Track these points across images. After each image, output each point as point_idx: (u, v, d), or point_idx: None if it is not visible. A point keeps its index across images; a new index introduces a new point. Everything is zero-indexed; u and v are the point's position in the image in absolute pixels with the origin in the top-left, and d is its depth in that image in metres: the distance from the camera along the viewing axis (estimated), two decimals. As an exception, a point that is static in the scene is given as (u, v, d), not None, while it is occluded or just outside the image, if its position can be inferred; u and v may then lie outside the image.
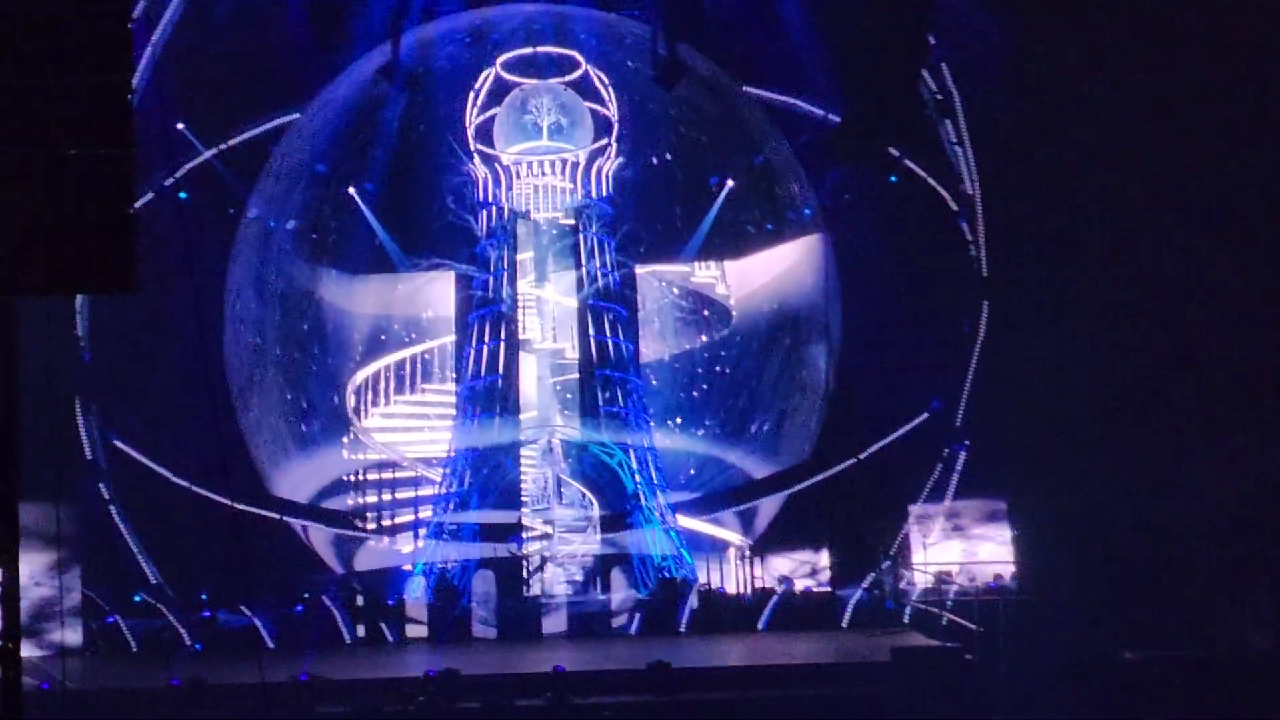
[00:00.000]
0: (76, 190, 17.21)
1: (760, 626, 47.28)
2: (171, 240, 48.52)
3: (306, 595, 47.85)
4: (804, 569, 50.39)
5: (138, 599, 48.04)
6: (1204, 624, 40.59)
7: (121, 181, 17.53)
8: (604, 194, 51.27)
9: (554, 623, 47.51)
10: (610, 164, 51.29)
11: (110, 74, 17.43)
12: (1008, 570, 47.28)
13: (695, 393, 52.15)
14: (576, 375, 51.03)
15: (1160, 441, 43.38)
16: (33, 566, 38.16)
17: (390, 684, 36.85)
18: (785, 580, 49.07)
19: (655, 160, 51.91)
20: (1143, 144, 43.04)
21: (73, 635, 43.42)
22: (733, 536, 51.45)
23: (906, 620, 46.87)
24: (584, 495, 49.79)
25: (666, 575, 49.02)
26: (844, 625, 47.37)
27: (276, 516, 50.14)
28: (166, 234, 48.20)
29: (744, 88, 52.83)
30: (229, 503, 48.29)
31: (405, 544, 50.38)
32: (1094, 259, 44.46)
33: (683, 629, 47.06)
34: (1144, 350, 43.53)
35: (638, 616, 47.49)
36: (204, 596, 48.31)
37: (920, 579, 48.60)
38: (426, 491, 51.47)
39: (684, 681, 36.10)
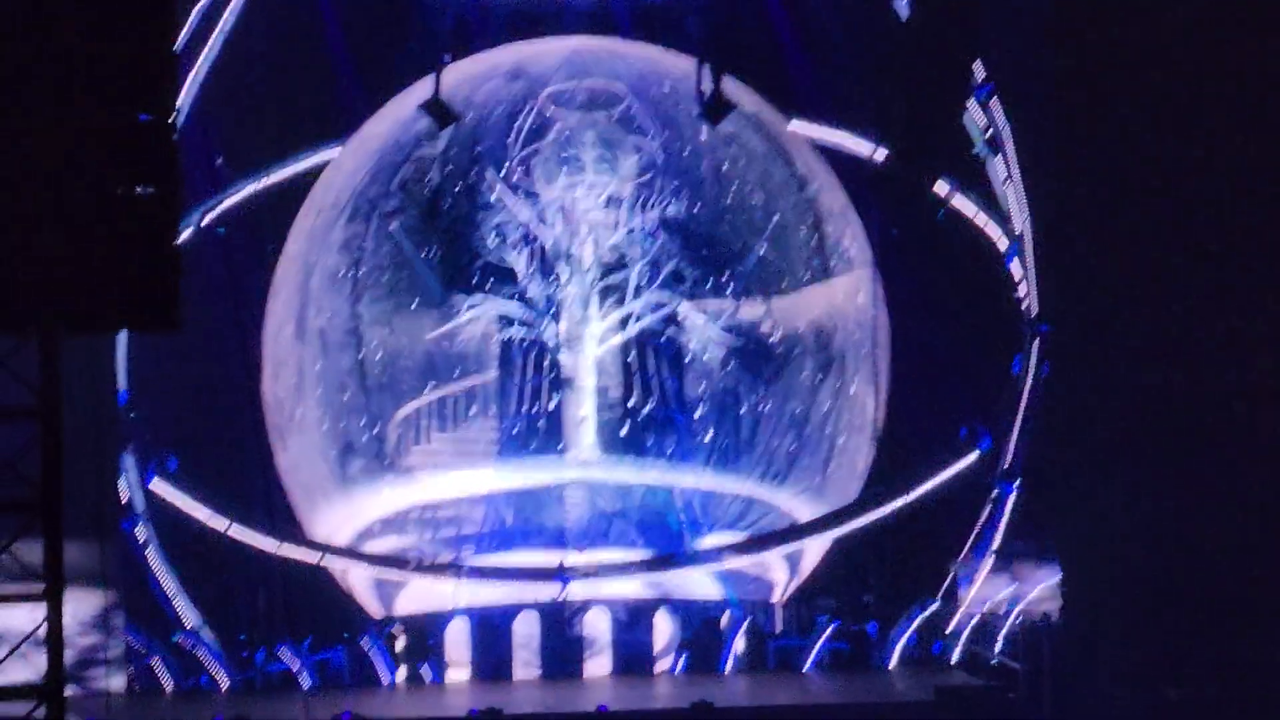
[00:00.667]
0: (120, 227, 17.18)
1: (806, 667, 47.16)
2: (211, 277, 48.53)
3: (346, 636, 47.70)
4: (852, 609, 50.13)
5: (175, 639, 47.84)
6: (1253, 661, 40.29)
7: (166, 219, 17.70)
8: (649, 229, 50.89)
9: (597, 663, 47.39)
10: (655, 198, 50.92)
11: (154, 110, 17.41)
12: (1055, 608, 47.03)
13: (741, 432, 51.63)
14: (620, 413, 50.60)
15: (1214, 480, 42.78)
16: (75, 607, 37.82)
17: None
18: (834, 620, 48.86)
19: (700, 195, 51.46)
20: (1201, 177, 42.51)
21: (117, 682, 43.28)
22: (779, 577, 51.04)
23: (955, 660, 46.78)
24: (628, 535, 49.52)
25: (711, 616, 48.68)
26: (890, 666, 47.37)
27: (316, 560, 49.62)
28: (206, 270, 48.24)
29: (790, 121, 52.45)
30: (273, 547, 48.07)
31: (446, 585, 49.95)
32: (1150, 295, 43.87)
33: (727, 669, 46.86)
34: (1198, 386, 42.91)
35: (682, 657, 47.43)
36: (242, 638, 48.20)
37: (968, 619, 48.52)
38: (468, 531, 51.07)
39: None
